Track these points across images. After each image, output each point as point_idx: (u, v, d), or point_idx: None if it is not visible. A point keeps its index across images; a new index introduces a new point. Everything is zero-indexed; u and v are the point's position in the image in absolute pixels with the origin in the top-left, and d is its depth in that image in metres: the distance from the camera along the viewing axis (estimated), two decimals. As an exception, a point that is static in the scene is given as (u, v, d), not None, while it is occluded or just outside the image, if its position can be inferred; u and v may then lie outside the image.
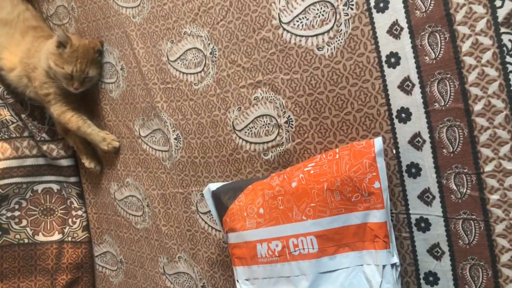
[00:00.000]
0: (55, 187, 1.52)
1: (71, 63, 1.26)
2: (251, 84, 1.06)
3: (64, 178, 1.52)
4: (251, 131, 1.08)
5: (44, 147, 1.48)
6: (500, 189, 0.79)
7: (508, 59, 0.75)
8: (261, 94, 1.05)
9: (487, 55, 0.77)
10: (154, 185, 1.30)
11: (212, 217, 1.17)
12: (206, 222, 1.20)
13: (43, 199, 1.52)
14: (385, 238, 0.85)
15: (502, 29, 0.75)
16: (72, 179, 1.52)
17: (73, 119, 1.35)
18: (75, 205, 1.53)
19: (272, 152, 1.05)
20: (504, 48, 0.75)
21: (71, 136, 1.43)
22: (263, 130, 1.06)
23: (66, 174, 1.52)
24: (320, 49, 0.95)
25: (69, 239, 1.51)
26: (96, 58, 1.33)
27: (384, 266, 0.85)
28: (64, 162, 1.50)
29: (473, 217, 0.82)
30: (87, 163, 1.43)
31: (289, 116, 1.01)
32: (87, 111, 1.41)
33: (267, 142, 1.06)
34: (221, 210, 1.04)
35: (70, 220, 1.53)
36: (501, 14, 0.75)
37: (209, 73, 1.12)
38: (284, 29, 0.99)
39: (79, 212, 1.53)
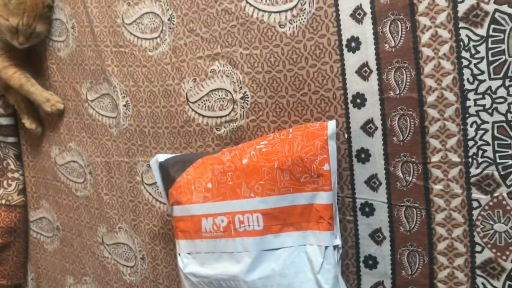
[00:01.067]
0: (-10, 146, 1.44)
1: (17, 16, 1.18)
2: (208, 56, 1.03)
3: (2, 137, 1.43)
4: (205, 104, 1.05)
5: (-19, 103, 1.39)
6: (444, 179, 0.82)
7: (463, 53, 0.77)
8: (218, 67, 1.02)
9: (445, 48, 0.79)
10: (98, 152, 1.25)
11: (157, 189, 1.14)
12: (150, 194, 1.18)
13: (-24, 158, 1.43)
14: (329, 220, 0.86)
15: (461, 24, 0.77)
16: (10, 139, 1.44)
17: (15, 76, 1.27)
18: (12, 166, 1.45)
19: (225, 128, 1.04)
20: (461, 43, 0.77)
21: (12, 93, 1.35)
22: (218, 104, 1.04)
23: (4, 134, 1.43)
24: (282, 26, 0.93)
25: (3, 202, 1.44)
26: (45, 13, 1.25)
27: (326, 247, 0.86)
28: (3, 121, 1.42)
29: (415, 205, 0.85)
30: (28, 123, 1.36)
31: (245, 92, 1.00)
32: (32, 68, 1.33)
33: (221, 117, 1.04)
34: (168, 182, 1.02)
35: (5, 182, 1.45)
36: (462, 9, 0.76)
37: (166, 40, 1.08)
38: (247, 2, 0.96)
39: (16, 175, 1.45)
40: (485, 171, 0.78)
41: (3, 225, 1.43)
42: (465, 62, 0.77)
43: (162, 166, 1.03)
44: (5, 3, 1.17)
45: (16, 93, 1.32)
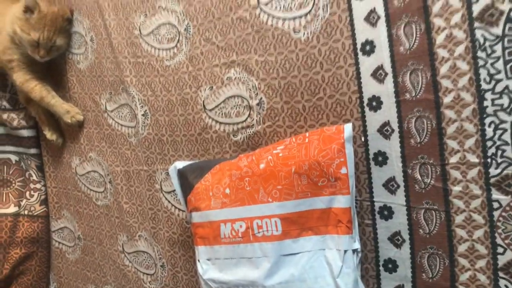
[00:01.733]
0: (13, 158, 1.47)
1: (38, 30, 1.21)
2: (224, 64, 1.04)
3: (24, 149, 1.47)
4: (221, 111, 1.06)
5: (5, 116, 1.42)
6: (463, 181, 0.81)
7: (479, 53, 0.77)
8: (234, 74, 1.04)
9: (460, 49, 0.78)
10: (118, 161, 1.27)
11: (176, 197, 1.15)
12: (169, 201, 1.19)
13: (0, 170, 1.46)
14: (348, 223, 0.86)
15: (476, 24, 0.76)
16: (32, 151, 1.47)
17: (36, 89, 1.30)
18: (34, 177, 1.48)
19: (241, 134, 1.05)
20: (477, 43, 0.77)
21: (34, 106, 1.38)
22: (234, 111, 1.05)
23: (26, 145, 1.46)
24: (296, 32, 0.94)
25: (26, 212, 1.46)
26: (64, 26, 1.28)
27: (345, 251, 0.86)
28: (25, 133, 1.45)
29: (435, 207, 0.84)
30: (49, 134, 1.38)
31: (261, 98, 1.01)
32: (52, 81, 1.36)
33: (237, 123, 1.05)
34: (186, 189, 1.03)
35: (27, 193, 1.48)
36: (476, 9, 0.76)
37: (182, 49, 1.10)
38: (261, 9, 0.98)
39: (38, 185, 1.48)
40: (505, 171, 0.77)
41: (26, 235, 1.46)
42: (481, 62, 0.77)
43: (181, 173, 1.04)
44: (26, 18, 1.21)
45: (37, 105, 1.35)
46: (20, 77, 1.30)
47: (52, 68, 1.36)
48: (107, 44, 1.24)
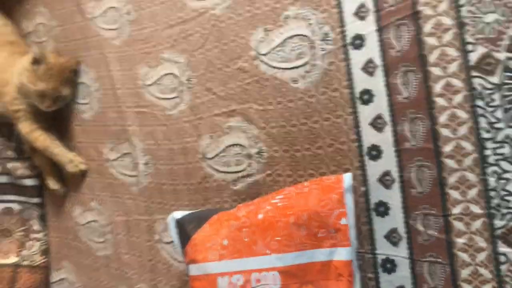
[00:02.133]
0: (16, 207, 1.46)
1: (44, 81, 1.24)
2: (224, 113, 1.05)
3: (27, 198, 1.46)
4: (221, 160, 1.06)
5: (9, 165, 1.43)
6: (467, 232, 0.78)
7: (477, 102, 0.76)
8: (234, 123, 1.03)
9: (458, 98, 0.78)
10: (119, 211, 1.26)
11: (175, 248, 1.13)
12: (168, 253, 1.16)
13: (2, 219, 1.45)
14: (349, 277, 0.82)
15: (473, 73, 0.76)
16: (35, 200, 1.46)
17: (41, 138, 1.31)
18: (35, 227, 1.46)
19: (241, 183, 1.03)
20: (475, 92, 0.76)
21: (38, 155, 1.38)
22: (234, 160, 1.04)
23: (29, 195, 1.46)
24: (295, 82, 0.95)
25: (26, 263, 1.44)
26: (70, 77, 1.31)
27: (347, 307, 0.82)
28: (28, 182, 1.45)
29: (438, 260, 0.81)
30: (52, 184, 1.38)
31: (260, 147, 1.00)
32: (58, 130, 1.37)
33: (237, 172, 1.04)
34: (184, 240, 1.00)
35: (28, 243, 1.46)
36: (473, 58, 0.76)
37: (184, 99, 1.11)
38: (261, 60, 0.99)
39: (39, 235, 1.46)
40: (511, 223, 0.74)
41: (25, 287, 1.42)
42: (480, 111, 0.76)
43: (179, 223, 1.02)
44: (33, 70, 1.23)
45: (42, 155, 1.36)
46: (26, 127, 1.32)
47: (58, 117, 1.38)
48: (111, 94, 1.25)
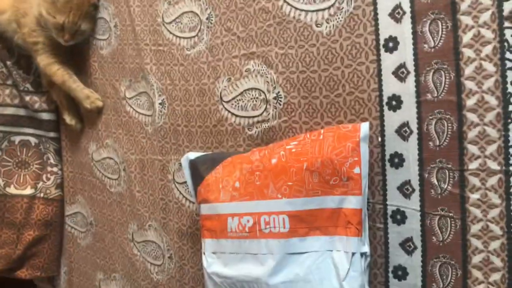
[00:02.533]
0: (33, 140, 1.48)
1: (63, 14, 1.22)
2: (244, 55, 1.03)
3: (44, 132, 1.48)
4: (238, 103, 1.05)
5: (27, 98, 1.44)
6: (482, 188, 0.77)
7: (507, 55, 0.73)
8: (253, 66, 1.02)
9: (487, 49, 0.75)
10: (133, 149, 1.27)
11: (188, 188, 1.14)
12: (181, 193, 1.17)
13: (19, 151, 1.48)
14: (358, 225, 0.83)
15: (506, 24, 0.73)
16: (52, 134, 1.48)
17: (58, 72, 1.31)
18: (51, 161, 1.49)
19: (256, 128, 1.02)
20: (505, 43, 0.73)
21: (56, 89, 1.39)
22: (251, 104, 1.03)
23: (46, 129, 1.48)
24: (318, 25, 0.92)
25: (41, 195, 1.47)
26: (90, 11, 1.29)
27: (353, 254, 0.82)
28: (45, 116, 1.46)
29: (450, 214, 0.80)
30: (69, 119, 1.39)
31: (278, 92, 0.98)
32: (75, 66, 1.37)
33: (253, 117, 1.03)
34: (197, 180, 1.01)
35: (44, 176, 1.49)
36: (507, 7, 0.72)
37: (203, 39, 1.09)
38: (285, 1, 0.95)
39: (55, 169, 1.49)
40: (527, 181, 0.73)
41: (40, 218, 1.47)
42: (509, 64, 0.73)
43: (192, 164, 1.03)
44: (52, 1, 1.21)
45: (59, 89, 1.36)
46: (44, 60, 1.31)
47: (76, 52, 1.37)
48: (130, 31, 1.24)
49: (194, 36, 1.10)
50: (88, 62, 1.35)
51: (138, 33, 1.21)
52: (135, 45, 1.22)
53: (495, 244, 0.76)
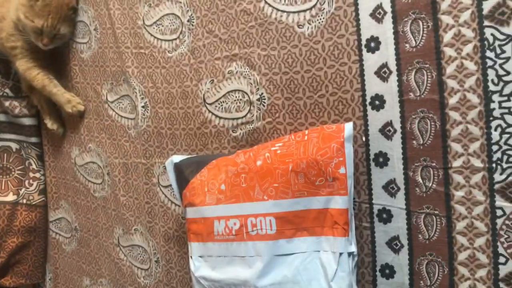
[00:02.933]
0: (14, 146, 1.46)
1: (42, 17, 1.20)
2: (226, 57, 1.02)
3: (25, 137, 1.46)
4: (221, 105, 1.04)
5: (6, 103, 1.41)
6: (466, 186, 0.78)
7: (488, 53, 0.74)
8: (235, 68, 1.01)
9: (468, 48, 0.75)
10: (117, 153, 1.25)
11: (173, 191, 1.13)
12: (166, 196, 1.16)
13: (0, 157, 1.45)
14: (344, 225, 0.83)
15: (486, 22, 0.73)
16: (33, 140, 1.46)
17: (38, 77, 1.29)
18: (34, 166, 1.47)
19: (241, 129, 1.02)
20: (486, 42, 0.74)
21: (36, 94, 1.37)
22: (234, 106, 1.02)
23: (27, 134, 1.45)
24: (300, 26, 0.91)
25: (24, 201, 1.45)
26: (69, 15, 1.26)
27: (340, 254, 0.82)
28: (26, 121, 1.44)
29: (435, 212, 0.81)
30: (50, 124, 1.37)
31: (262, 93, 0.98)
32: (55, 70, 1.35)
33: (237, 119, 1.02)
34: (182, 183, 1.01)
35: (27, 182, 1.46)
36: (487, 6, 0.73)
37: (185, 41, 1.08)
38: (266, 2, 0.95)
39: (37, 175, 1.47)
40: (510, 178, 0.74)
41: (23, 225, 1.44)
42: (489, 63, 0.74)
43: (177, 167, 1.02)
44: (30, 5, 1.19)
45: (40, 94, 1.34)
46: (23, 65, 1.29)
47: (56, 56, 1.35)
48: (110, 34, 1.22)
49: (175, 39, 1.09)
50: (69, 66, 1.33)
51: (119, 36, 1.19)
52: (116, 48, 1.21)
53: (480, 241, 0.77)
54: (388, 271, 0.87)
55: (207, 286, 0.94)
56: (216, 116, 1.05)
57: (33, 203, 1.46)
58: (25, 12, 1.20)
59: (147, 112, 1.16)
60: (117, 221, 1.28)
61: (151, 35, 1.14)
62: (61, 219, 1.45)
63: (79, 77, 1.31)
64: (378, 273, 0.89)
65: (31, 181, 1.46)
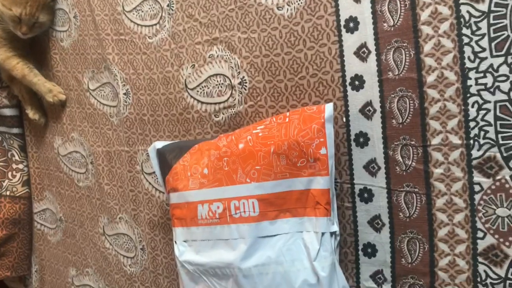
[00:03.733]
0: (-5, 137, 1.44)
1: (20, 5, 1.18)
2: (207, 41, 1.02)
3: (6, 128, 1.44)
4: (203, 90, 1.04)
5: (-14, 94, 1.39)
6: (445, 163, 0.78)
7: (464, 30, 0.74)
8: (216, 52, 1.01)
9: (445, 26, 0.76)
10: (100, 142, 1.24)
11: (157, 178, 1.13)
12: (150, 183, 1.16)
13: (-18, 149, 1.44)
14: (326, 205, 0.83)
15: (462, 0, 0.74)
16: (15, 130, 1.44)
17: (18, 66, 1.27)
18: (16, 158, 1.45)
19: (223, 114, 1.02)
20: (462, 20, 0.74)
21: (16, 84, 1.35)
22: (216, 90, 1.02)
23: (8, 125, 1.44)
24: (280, 8, 0.91)
25: (8, 193, 1.44)
26: (48, 3, 1.24)
27: (323, 234, 0.83)
28: (7, 112, 1.42)
29: (415, 190, 0.82)
30: (31, 114, 1.36)
31: (243, 77, 0.98)
32: (35, 59, 1.33)
33: (219, 103, 1.02)
34: (165, 169, 1.00)
35: (10, 174, 1.45)
36: (462, -16, 0.73)
37: (165, 26, 1.07)
38: (245, -15, 0.95)
39: (20, 166, 1.45)
40: (487, 153, 0.74)
41: (7, 217, 1.43)
42: (466, 40, 0.74)
43: (160, 153, 1.02)
44: (8, -7, 1.17)
45: (20, 83, 1.32)
46: (2, 54, 1.27)
47: (35, 45, 1.33)
48: (90, 21, 1.21)
49: (155, 24, 1.09)
50: (49, 55, 1.32)
51: (99, 23, 1.18)
52: (96, 35, 1.20)
53: (459, 217, 0.78)
54: (370, 250, 0.88)
55: (191, 270, 0.94)
56: (198, 101, 1.05)
57: (17, 194, 1.44)
58: (2, 0, 1.18)
59: (129, 99, 1.15)
60: (102, 210, 1.27)
61: (131, 21, 1.13)
62: (46, 210, 1.44)
63: (60, 66, 1.30)
64: (360, 252, 0.90)
65: (14, 172, 1.45)
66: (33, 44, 1.33)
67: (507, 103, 0.72)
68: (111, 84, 1.19)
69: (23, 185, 1.46)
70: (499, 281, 0.76)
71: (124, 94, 1.16)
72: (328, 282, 0.82)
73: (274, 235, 0.86)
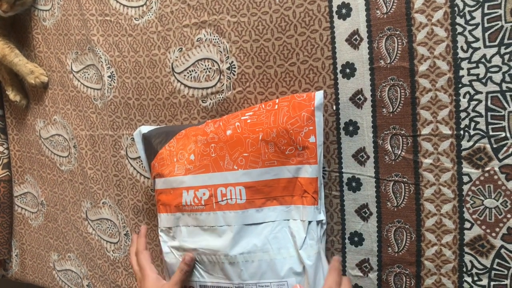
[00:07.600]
0: (-26, 118, 1.40)
1: (0, -18, 1.14)
2: (195, 24, 0.99)
3: (-14, 110, 1.40)
4: (191, 74, 1.02)
5: (-35, 74, 1.35)
6: (434, 153, 0.78)
7: (458, 20, 0.73)
8: (204, 36, 0.98)
9: (438, 14, 0.75)
10: (83, 125, 1.22)
11: (142, 163, 1.11)
12: (135, 168, 1.14)
13: (-40, 130, 1.40)
14: (314, 194, 0.83)
15: (456, -12, 0.73)
16: (-5, 112, 1.41)
17: (-2, 46, 1.23)
18: (-4, 140, 1.42)
19: (211, 99, 1.00)
20: (456, 8, 0.73)
21: (-3, 64, 1.31)
22: (204, 75, 1.00)
23: (-12, 106, 1.40)
24: (270, -8, 0.89)
25: (-13, 176, 1.41)
26: (30, -20, 1.21)
27: (309, 222, 0.82)
28: (-13, 93, 1.38)
29: (404, 179, 0.81)
30: (12, 95, 1.32)
31: (232, 62, 0.96)
32: (17, 39, 1.29)
33: (207, 88, 1.00)
34: (151, 154, 0.98)
35: (-11, 156, 1.41)
36: (457, -28, 0.72)
37: (152, 8, 1.04)
38: (235, -33, 0.92)
39: (0, 148, 1.42)
40: (477, 144, 0.74)
41: (-13, 200, 1.40)
42: (459, 29, 0.73)
43: (145, 138, 1.00)
44: (-12, -31, 1.13)
45: (0, 64, 1.28)
46: (-19, 33, 1.23)
47: (17, 24, 1.29)
48: (74, 0, 1.17)
49: (142, 5, 1.06)
50: (31, 35, 1.28)
51: (83, 3, 1.15)
52: (80, 15, 1.16)
53: (447, 207, 0.78)
54: (357, 239, 0.88)
55: (177, 256, 0.93)
56: (185, 85, 1.03)
57: (-3, 177, 1.41)
58: (-18, -24, 1.14)
59: (114, 82, 1.12)
60: (85, 195, 1.25)
61: (117, 1, 1.09)
62: (27, 194, 1.41)
63: (42, 46, 1.26)
64: (347, 241, 0.89)
65: (-6, 155, 1.41)
66: (14, 23, 1.29)
67: (498, 94, 0.72)
68: (95, 66, 1.16)
69: (4, 168, 1.42)
70: (484, 271, 0.76)
71: (109, 76, 1.13)
72: (314, 271, 0.81)
73: (261, 223, 0.85)
